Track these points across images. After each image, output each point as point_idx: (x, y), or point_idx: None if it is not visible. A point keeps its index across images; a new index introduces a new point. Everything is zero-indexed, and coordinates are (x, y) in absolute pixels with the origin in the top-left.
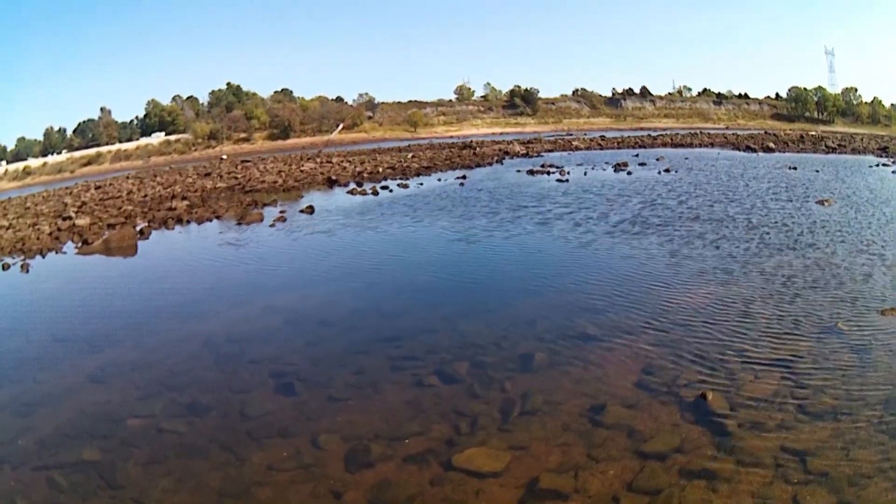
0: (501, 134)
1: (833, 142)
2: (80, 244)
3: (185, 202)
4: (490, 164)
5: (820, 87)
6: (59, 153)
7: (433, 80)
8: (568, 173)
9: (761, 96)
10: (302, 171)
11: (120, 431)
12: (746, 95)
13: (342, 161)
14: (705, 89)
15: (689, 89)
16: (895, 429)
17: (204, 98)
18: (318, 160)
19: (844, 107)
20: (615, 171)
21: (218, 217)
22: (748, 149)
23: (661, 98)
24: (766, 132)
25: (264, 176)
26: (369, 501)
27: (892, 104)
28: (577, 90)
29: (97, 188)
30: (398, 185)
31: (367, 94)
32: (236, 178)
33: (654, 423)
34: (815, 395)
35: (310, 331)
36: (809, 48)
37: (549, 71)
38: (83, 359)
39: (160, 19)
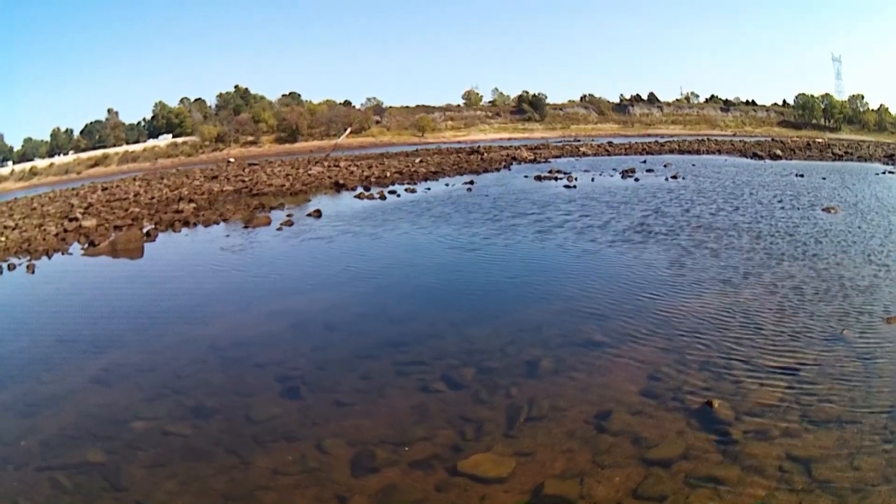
0: (509, 139)
1: (840, 149)
2: (86, 245)
3: (192, 205)
4: (498, 169)
5: (827, 95)
6: (66, 154)
7: (441, 84)
8: (575, 179)
9: (768, 103)
10: (309, 174)
11: (125, 433)
12: (754, 102)
13: (350, 165)
14: (713, 96)
15: (697, 96)
16: None
17: (212, 101)
18: (326, 164)
19: (851, 114)
20: (623, 177)
21: (225, 220)
22: (755, 156)
23: (668, 104)
24: (773, 139)
25: (271, 179)
26: None
27: None
28: (585, 96)
29: (104, 189)
30: (406, 189)
31: (375, 98)
32: (243, 181)
33: (660, 430)
34: (819, 403)
35: (316, 335)
36: (816, 55)
37: (558, 77)
38: (88, 360)
39: (168, 21)
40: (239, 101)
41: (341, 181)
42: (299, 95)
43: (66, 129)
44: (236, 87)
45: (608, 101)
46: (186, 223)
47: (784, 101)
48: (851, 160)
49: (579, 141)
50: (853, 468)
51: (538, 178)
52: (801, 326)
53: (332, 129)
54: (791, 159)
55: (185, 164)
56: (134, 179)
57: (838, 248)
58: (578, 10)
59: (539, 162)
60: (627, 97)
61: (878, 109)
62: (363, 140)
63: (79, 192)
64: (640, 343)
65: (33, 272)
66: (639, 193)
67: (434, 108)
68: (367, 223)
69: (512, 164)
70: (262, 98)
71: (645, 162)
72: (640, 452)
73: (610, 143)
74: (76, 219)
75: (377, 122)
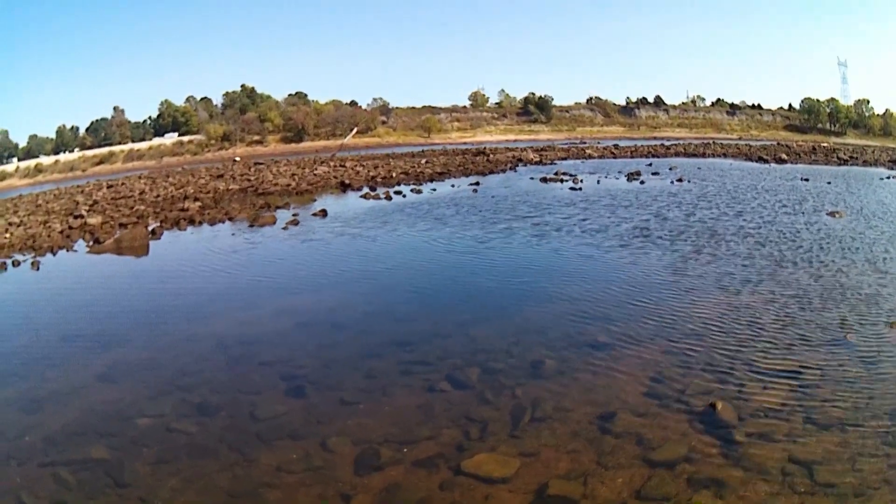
0: (515, 141)
1: (845, 154)
2: (91, 243)
3: (198, 203)
4: (503, 171)
5: (833, 99)
6: (72, 151)
7: (448, 86)
8: (581, 182)
9: (774, 107)
10: (315, 174)
11: (129, 430)
12: (759, 106)
13: (356, 165)
14: (719, 99)
15: (703, 99)
16: None
17: (218, 99)
18: (332, 164)
19: (856, 119)
20: (628, 180)
21: (230, 219)
22: (761, 160)
23: (674, 107)
24: (778, 143)
25: (277, 179)
26: None
27: None
28: (591, 98)
29: (109, 187)
30: (412, 190)
31: (381, 98)
32: (249, 180)
33: (664, 431)
34: (822, 406)
35: (322, 334)
36: (822, 60)
37: (564, 79)
38: (93, 357)
39: (174, 20)
40: (245, 101)
41: (347, 181)
42: (306, 95)
43: (72, 127)
44: (242, 86)
45: (614, 104)
46: (192, 221)
47: (790, 105)
48: (856, 165)
49: (585, 143)
50: (855, 471)
51: (544, 179)
52: (804, 330)
53: (338, 129)
54: (797, 163)
55: (190, 163)
56: (139, 177)
57: (842, 252)
58: (585, 12)
59: (545, 164)
60: (634, 100)
61: (884, 114)
62: (369, 140)
63: (84, 190)
64: (644, 345)
65: (38, 269)
66: (644, 197)
67: (440, 109)
68: (373, 223)
69: (518, 165)
70: (269, 97)
71: (651, 165)
72: (644, 454)
73: (616, 146)
74: (81, 216)
75: (383, 122)
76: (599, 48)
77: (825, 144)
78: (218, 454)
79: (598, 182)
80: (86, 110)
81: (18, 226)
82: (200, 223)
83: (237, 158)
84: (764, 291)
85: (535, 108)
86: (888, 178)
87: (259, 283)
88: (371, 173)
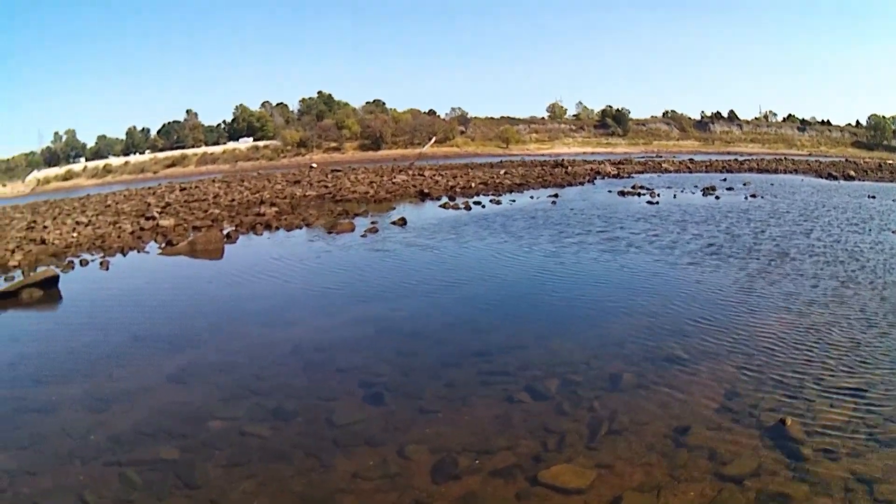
0: (592, 154)
1: None
2: (163, 245)
3: (274, 208)
4: (581, 183)
5: None
6: (142, 153)
7: (526, 96)
8: (658, 196)
9: (843, 123)
10: (394, 182)
11: (200, 432)
12: (828, 122)
13: (434, 175)
14: (790, 115)
15: (775, 115)
16: None
17: (294, 105)
18: (410, 172)
19: None
20: (703, 194)
21: (308, 225)
22: (830, 176)
23: (747, 122)
24: (846, 160)
25: (355, 186)
26: None
27: None
28: (666, 112)
29: (182, 190)
30: (490, 200)
31: (459, 108)
32: (326, 186)
33: (735, 446)
34: (885, 424)
35: (400, 342)
36: (889, 76)
37: (639, 91)
38: (163, 358)
39: (248, 26)
40: (322, 107)
41: (426, 190)
42: (383, 103)
43: (143, 128)
44: (319, 92)
45: (689, 118)
46: (268, 226)
47: (857, 121)
48: None
49: (661, 157)
50: None
51: (621, 193)
52: (870, 349)
53: (416, 137)
54: (864, 180)
55: (265, 168)
56: (213, 181)
57: None
58: (660, 25)
59: (622, 177)
60: (708, 114)
61: None
62: (447, 150)
63: (156, 192)
64: (719, 360)
65: (107, 269)
66: (719, 212)
67: (519, 119)
68: (453, 233)
69: (595, 178)
70: (346, 105)
71: (725, 180)
72: (716, 468)
73: (691, 160)
74: (153, 218)
75: (462, 132)
76: (674, 62)
77: (890, 162)
78: (293, 459)
79: (675, 196)
80: (157, 112)
81: (86, 225)
82: (277, 228)
83: (314, 165)
84: (831, 311)
85: (613, 121)
86: None
87: (336, 290)
88: (450, 183)
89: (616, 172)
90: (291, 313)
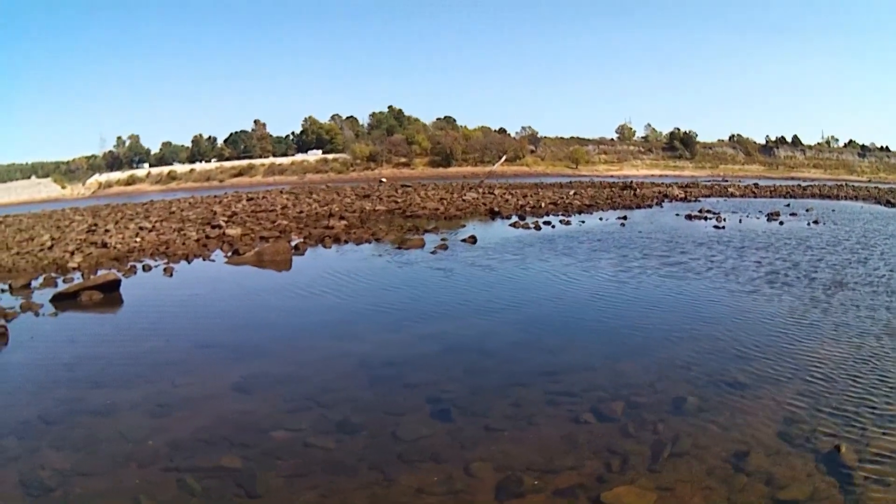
0: (660, 176)
1: None
2: (230, 253)
3: (343, 222)
4: (650, 206)
5: None
6: (208, 161)
7: (595, 117)
8: (724, 220)
9: None
10: (464, 200)
11: (263, 442)
12: (888, 148)
13: (504, 193)
14: (851, 141)
15: (836, 140)
16: None
17: (364, 119)
18: (481, 190)
19: None
20: (768, 220)
21: (377, 239)
22: (888, 203)
23: (810, 148)
24: None
25: (425, 202)
26: None
27: None
28: (732, 136)
29: (249, 200)
30: (560, 221)
31: (529, 127)
32: (396, 202)
33: (791, 471)
34: None
35: (469, 360)
36: None
37: (706, 114)
38: (228, 367)
39: (318, 37)
40: (392, 122)
41: (496, 209)
42: (454, 120)
43: (209, 137)
44: (390, 107)
45: (754, 142)
46: (337, 239)
47: None
48: None
49: (727, 181)
50: None
51: (689, 217)
52: None
53: (486, 155)
54: None
55: (334, 181)
56: (281, 192)
57: None
58: (727, 49)
59: (689, 200)
60: (773, 139)
61: None
62: (517, 169)
63: (222, 200)
64: (778, 386)
65: (171, 275)
66: (782, 238)
67: (588, 140)
68: (523, 252)
69: (663, 201)
70: (416, 120)
71: (789, 205)
72: (772, 493)
73: (756, 185)
74: (219, 226)
75: (531, 151)
76: (739, 84)
77: None
78: (357, 472)
79: (740, 221)
80: (224, 121)
81: (150, 231)
82: (346, 242)
83: (383, 179)
84: (885, 342)
85: (680, 144)
86: None
87: (405, 306)
88: (520, 202)
89: (683, 196)
90: (359, 327)
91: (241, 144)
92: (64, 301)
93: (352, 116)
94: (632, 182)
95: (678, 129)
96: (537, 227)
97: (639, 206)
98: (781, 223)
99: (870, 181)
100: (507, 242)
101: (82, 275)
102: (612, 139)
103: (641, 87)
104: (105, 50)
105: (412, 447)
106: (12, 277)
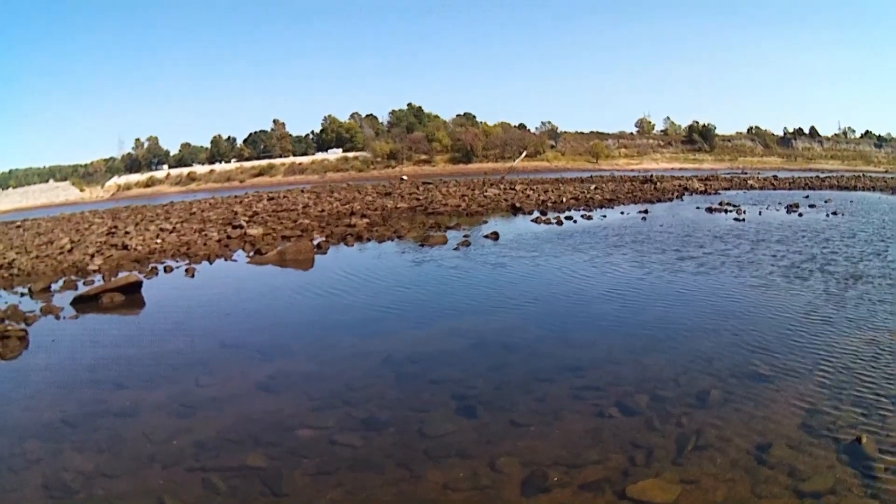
0: (680, 169)
1: None
2: (252, 253)
3: (365, 220)
4: (670, 199)
5: None
6: (228, 162)
7: (614, 111)
8: (744, 213)
9: None
10: (485, 196)
11: (289, 440)
12: None
13: (525, 189)
14: (867, 132)
15: (853, 131)
16: None
17: (383, 117)
18: (502, 186)
19: None
20: (787, 211)
21: (399, 237)
22: None
23: (828, 139)
24: None
25: (447, 199)
26: None
27: None
28: (751, 128)
29: (270, 199)
30: (582, 216)
31: (549, 122)
32: (418, 199)
33: (813, 463)
34: None
35: (493, 355)
36: None
37: (723, 106)
38: (252, 366)
39: (335, 36)
40: (412, 119)
41: (518, 204)
42: (474, 116)
43: (229, 137)
44: (409, 104)
45: (773, 134)
46: (359, 238)
47: None
48: None
49: (746, 173)
50: None
51: (709, 209)
52: None
53: (506, 151)
54: None
55: (355, 179)
56: (302, 191)
57: None
58: (743, 41)
59: (709, 193)
60: (790, 131)
61: None
62: (538, 164)
63: (242, 201)
64: (800, 378)
65: (193, 276)
66: (801, 230)
67: (607, 134)
68: (546, 248)
69: (684, 194)
70: (436, 117)
71: (808, 197)
72: (795, 484)
73: (775, 177)
74: (241, 226)
75: (551, 146)
76: (756, 76)
77: None
78: (383, 469)
79: (760, 213)
80: (243, 122)
81: (171, 232)
82: (368, 240)
83: (404, 177)
84: None
85: (699, 137)
86: None
87: (429, 303)
88: (541, 197)
89: (703, 189)
90: (383, 324)
91: (260, 144)
92: (85, 303)
93: (371, 114)
94: (652, 176)
95: (697, 122)
96: (559, 223)
97: (659, 200)
98: (801, 215)
99: (886, 171)
100: (530, 238)
101: (103, 277)
102: (632, 133)
103: (660, 80)
104: (122, 52)
105: (438, 443)
106: (31, 281)
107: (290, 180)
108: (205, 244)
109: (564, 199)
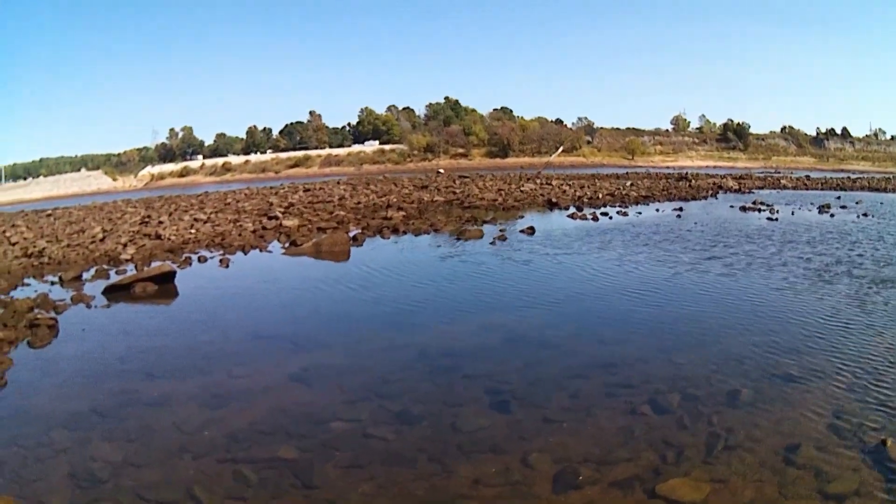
0: (714, 167)
1: None
2: (287, 245)
3: (402, 213)
4: (705, 197)
5: None
6: (264, 152)
7: (650, 107)
8: (777, 212)
9: None
10: (522, 191)
11: (321, 433)
12: None
13: (562, 184)
14: None
15: (884, 132)
16: None
17: (420, 110)
18: (538, 181)
19: None
20: (819, 212)
21: (436, 230)
22: None
23: (859, 140)
24: None
25: (483, 193)
26: None
27: None
28: (784, 127)
29: (306, 191)
30: (617, 212)
31: (586, 118)
32: (454, 192)
33: (839, 465)
34: None
35: (528, 351)
36: None
37: (757, 105)
38: (286, 358)
39: (374, 29)
40: (449, 113)
41: (554, 199)
42: (511, 111)
43: (264, 128)
44: (446, 98)
45: (806, 134)
46: (395, 230)
47: None
48: None
49: (779, 173)
50: None
51: (743, 208)
52: None
53: (543, 146)
54: None
55: (391, 172)
56: (338, 183)
57: None
58: (777, 40)
59: (743, 192)
60: (823, 131)
61: None
62: (574, 160)
63: (278, 192)
64: (828, 380)
65: (227, 266)
66: (832, 231)
67: (643, 131)
68: (581, 244)
69: (718, 192)
70: (473, 111)
71: (839, 198)
72: (821, 486)
73: (807, 177)
74: (276, 217)
75: (588, 142)
76: (789, 77)
77: None
78: (415, 463)
79: (793, 213)
80: (279, 113)
81: (205, 222)
82: (404, 233)
83: (441, 171)
84: None
85: (734, 135)
86: None
87: (464, 297)
88: (577, 193)
89: (738, 187)
90: (418, 318)
91: (296, 136)
92: (117, 293)
93: (408, 107)
94: (687, 173)
95: (731, 121)
96: (595, 219)
97: (694, 198)
98: (832, 215)
99: None
100: (566, 233)
101: (136, 266)
102: (667, 130)
103: (695, 79)
104: (158, 42)
105: (471, 438)
106: (62, 270)
107: (326, 172)
108: (240, 235)
109: (600, 195)
